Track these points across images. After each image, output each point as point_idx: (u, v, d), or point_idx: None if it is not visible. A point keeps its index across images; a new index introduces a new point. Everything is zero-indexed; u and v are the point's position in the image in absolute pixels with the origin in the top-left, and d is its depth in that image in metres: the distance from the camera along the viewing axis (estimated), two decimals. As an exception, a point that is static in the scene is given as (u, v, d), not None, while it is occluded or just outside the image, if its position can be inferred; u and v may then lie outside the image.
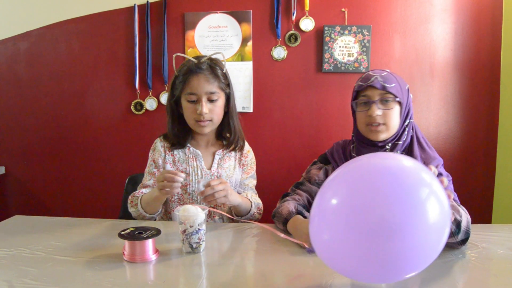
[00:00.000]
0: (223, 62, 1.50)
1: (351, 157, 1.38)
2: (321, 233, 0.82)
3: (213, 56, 1.50)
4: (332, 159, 1.45)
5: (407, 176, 0.77)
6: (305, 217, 1.28)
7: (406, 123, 1.32)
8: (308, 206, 1.38)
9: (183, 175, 1.28)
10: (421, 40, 2.47)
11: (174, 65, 1.49)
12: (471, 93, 2.49)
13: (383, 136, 1.31)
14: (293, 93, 2.55)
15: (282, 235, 1.18)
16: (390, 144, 1.33)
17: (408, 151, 1.34)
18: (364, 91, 1.31)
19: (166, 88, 2.59)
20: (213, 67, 1.46)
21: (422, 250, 0.75)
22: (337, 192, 0.82)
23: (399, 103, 1.29)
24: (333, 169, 1.43)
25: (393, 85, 1.27)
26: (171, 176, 1.26)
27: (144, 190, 1.51)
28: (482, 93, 2.48)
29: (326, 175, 1.44)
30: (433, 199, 0.75)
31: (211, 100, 1.45)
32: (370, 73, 1.31)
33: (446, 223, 0.77)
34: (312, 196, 1.41)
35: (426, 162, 1.29)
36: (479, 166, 2.53)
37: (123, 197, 1.80)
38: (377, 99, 1.28)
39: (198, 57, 1.47)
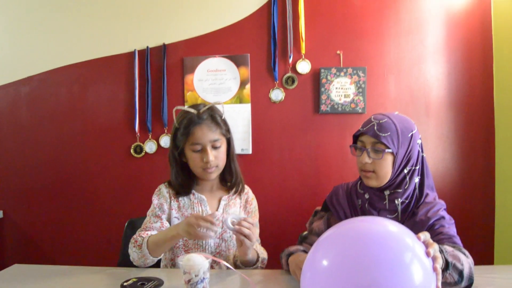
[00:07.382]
0: (221, 109, 1.54)
1: (357, 195, 1.40)
2: None
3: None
4: (331, 205, 1.44)
5: (392, 241, 0.83)
6: None
7: (406, 171, 1.30)
8: None
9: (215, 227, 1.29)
10: (415, 80, 2.53)
11: (174, 117, 1.52)
12: (466, 131, 2.53)
13: (373, 182, 1.31)
14: (291, 134, 2.58)
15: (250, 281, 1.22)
16: (388, 191, 1.32)
17: (413, 202, 1.31)
18: (361, 136, 1.34)
19: (165, 131, 2.62)
20: (213, 115, 1.50)
21: None
22: (329, 253, 0.86)
23: (392, 153, 1.27)
24: (332, 216, 1.43)
25: (387, 134, 1.26)
26: (207, 224, 1.26)
27: (149, 232, 1.48)
28: (477, 130, 2.52)
29: (328, 224, 1.43)
30: (416, 262, 0.80)
31: (215, 147, 1.49)
32: (372, 118, 1.31)
33: (430, 283, 0.81)
34: None
35: (428, 212, 1.27)
36: (478, 204, 2.53)
37: (122, 241, 1.77)
38: (369, 148, 1.29)
39: (197, 107, 1.50)
